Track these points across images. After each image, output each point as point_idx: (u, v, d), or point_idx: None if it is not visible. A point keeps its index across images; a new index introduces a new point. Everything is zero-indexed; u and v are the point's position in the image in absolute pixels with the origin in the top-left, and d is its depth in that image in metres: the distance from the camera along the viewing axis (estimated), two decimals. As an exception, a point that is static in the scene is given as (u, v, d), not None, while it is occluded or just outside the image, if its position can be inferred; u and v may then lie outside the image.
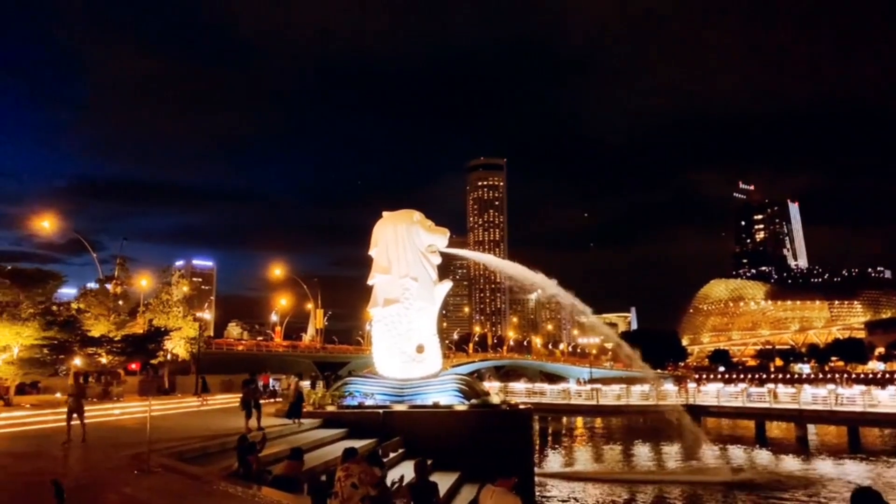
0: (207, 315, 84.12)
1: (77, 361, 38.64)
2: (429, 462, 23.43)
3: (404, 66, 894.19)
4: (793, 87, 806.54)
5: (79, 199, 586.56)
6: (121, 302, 50.02)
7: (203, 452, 18.11)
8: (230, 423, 23.51)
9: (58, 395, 36.19)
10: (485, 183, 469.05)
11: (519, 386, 56.12)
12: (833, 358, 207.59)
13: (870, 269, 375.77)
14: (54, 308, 36.59)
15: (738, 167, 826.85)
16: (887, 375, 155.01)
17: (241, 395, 23.64)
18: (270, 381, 43.14)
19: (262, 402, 24.20)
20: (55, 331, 33.05)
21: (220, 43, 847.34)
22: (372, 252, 32.55)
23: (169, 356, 46.63)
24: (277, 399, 35.16)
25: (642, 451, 45.96)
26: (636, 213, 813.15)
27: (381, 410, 27.76)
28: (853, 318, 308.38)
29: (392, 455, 24.05)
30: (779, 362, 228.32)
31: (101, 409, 29.68)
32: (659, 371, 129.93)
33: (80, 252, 56.81)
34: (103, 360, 38.35)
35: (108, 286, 48.19)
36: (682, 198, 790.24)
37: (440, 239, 32.45)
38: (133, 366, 42.71)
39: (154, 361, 43.96)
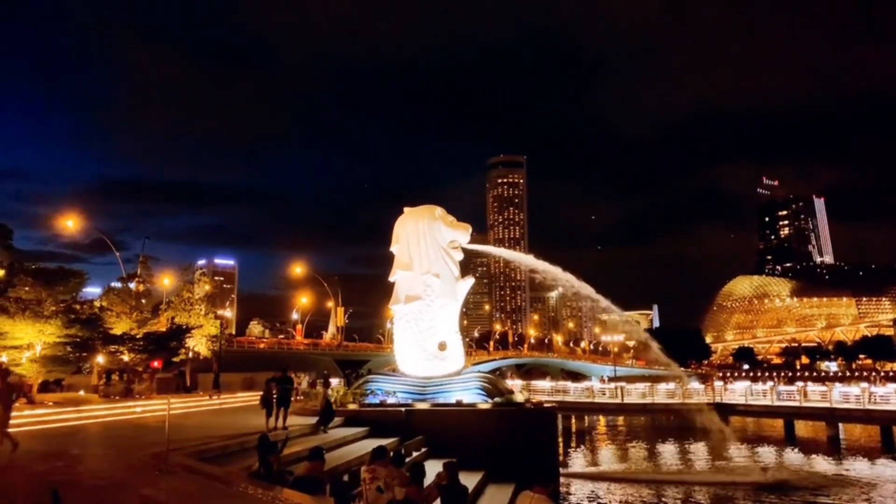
0: (228, 313, 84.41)
1: (100, 359, 38.79)
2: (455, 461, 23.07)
3: (424, 63, 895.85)
4: (818, 81, 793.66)
5: (104, 200, 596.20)
6: (143, 300, 50.29)
7: (223, 452, 17.82)
8: (251, 421, 23.21)
9: (81, 392, 36.39)
10: (505, 180, 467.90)
11: (542, 384, 55.60)
12: (861, 356, 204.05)
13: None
14: (76, 306, 36.74)
15: (762, 163, 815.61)
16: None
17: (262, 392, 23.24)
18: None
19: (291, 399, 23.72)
20: (77, 328, 33.16)
21: (242, 45, 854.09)
22: (393, 248, 32.22)
23: (191, 354, 46.79)
24: (298, 397, 34.90)
25: (668, 451, 45.13)
26: (659, 210, 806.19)
27: (403, 409, 27.39)
28: (881, 315, 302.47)
29: (415, 454, 23.64)
30: (805, 360, 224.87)
31: (124, 407, 29.69)
32: (682, 369, 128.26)
33: (105, 252, 57.57)
34: (125, 357, 38.43)
35: (132, 285, 48.40)
36: (706, 194, 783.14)
37: (462, 235, 32.04)
38: (155, 363, 42.76)
39: (176, 359, 44.03)
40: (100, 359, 38.58)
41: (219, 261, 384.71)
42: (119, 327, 40.25)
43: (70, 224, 49.04)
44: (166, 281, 54.73)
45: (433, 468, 14.77)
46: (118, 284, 48.98)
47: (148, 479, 12.14)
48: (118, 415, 27.76)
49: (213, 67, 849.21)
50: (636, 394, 52.50)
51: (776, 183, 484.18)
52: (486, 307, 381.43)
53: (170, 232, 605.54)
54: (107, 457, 15.57)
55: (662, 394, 51.86)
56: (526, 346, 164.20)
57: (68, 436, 20.41)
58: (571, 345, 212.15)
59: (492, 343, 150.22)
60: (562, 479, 30.83)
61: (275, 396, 21.93)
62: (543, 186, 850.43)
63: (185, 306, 46.74)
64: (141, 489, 11.24)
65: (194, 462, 14.52)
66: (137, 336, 39.88)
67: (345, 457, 19.98)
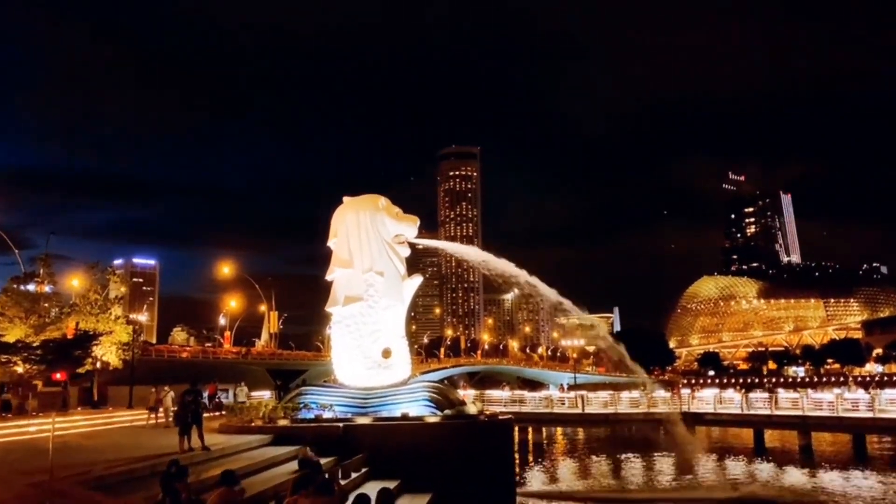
0: (143, 317, 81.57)
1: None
2: (394, 485, 22.29)
3: (371, 49, 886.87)
4: (785, 72, 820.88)
5: (9, 191, 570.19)
6: (46, 304, 47.91)
7: (129, 477, 16.75)
8: (166, 441, 22.06)
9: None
10: (457, 173, 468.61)
11: (497, 393, 55.25)
12: (829, 360, 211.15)
13: (866, 265, 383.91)
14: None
15: (727, 157, 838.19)
16: (885, 378, 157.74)
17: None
18: (217, 391, 41.53)
19: (205, 415, 22.64)
20: (-46, 335, 31.01)
21: (169, 25, 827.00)
22: (331, 243, 31.30)
23: (99, 364, 44.67)
24: (223, 412, 33.63)
25: (633, 465, 45.35)
26: (620, 206, 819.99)
27: (340, 424, 26.56)
28: (850, 318, 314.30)
29: (354, 475, 22.84)
30: (772, 365, 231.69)
31: (15, 427, 27.93)
32: (646, 376, 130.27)
33: (8, 251, 54.59)
34: (19, 369, 36.25)
35: (31, 286, 45.97)
36: (669, 189, 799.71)
37: (409, 227, 31.35)
38: (58, 375, 40.64)
39: (81, 370, 41.95)
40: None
41: (138, 260, 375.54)
42: (12, 334, 37.98)
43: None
44: (75, 282, 52.37)
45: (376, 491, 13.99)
46: (14, 286, 46.38)
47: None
48: (7, 436, 26.02)
49: (140, 47, 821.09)
50: (598, 403, 52.63)
51: (742, 178, 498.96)
52: (437, 310, 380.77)
53: (84, 228, 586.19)
54: (-19, 487, 14.17)
55: (626, 402, 52.13)
56: (479, 352, 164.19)
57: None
58: (528, 351, 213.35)
59: (442, 349, 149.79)
60: (518, 499, 30.39)
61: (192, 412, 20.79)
62: (498, 181, 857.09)
63: (91, 310, 44.54)
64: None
65: (87, 491, 13.36)
66: (34, 344, 37.69)
67: (273, 479, 19.22)
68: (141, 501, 12.89)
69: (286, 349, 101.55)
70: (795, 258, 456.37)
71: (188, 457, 19.13)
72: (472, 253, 38.05)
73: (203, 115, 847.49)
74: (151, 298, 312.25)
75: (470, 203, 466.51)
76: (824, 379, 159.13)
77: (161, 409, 31.31)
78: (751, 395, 51.51)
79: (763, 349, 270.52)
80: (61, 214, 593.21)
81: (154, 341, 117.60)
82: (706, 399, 52.00)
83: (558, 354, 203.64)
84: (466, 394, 46.79)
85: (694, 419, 49.13)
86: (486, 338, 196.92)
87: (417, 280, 32.69)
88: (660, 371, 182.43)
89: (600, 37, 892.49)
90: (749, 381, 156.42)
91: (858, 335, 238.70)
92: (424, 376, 63.77)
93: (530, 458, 49.89)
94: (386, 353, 30.10)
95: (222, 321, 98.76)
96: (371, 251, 30.10)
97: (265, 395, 44.44)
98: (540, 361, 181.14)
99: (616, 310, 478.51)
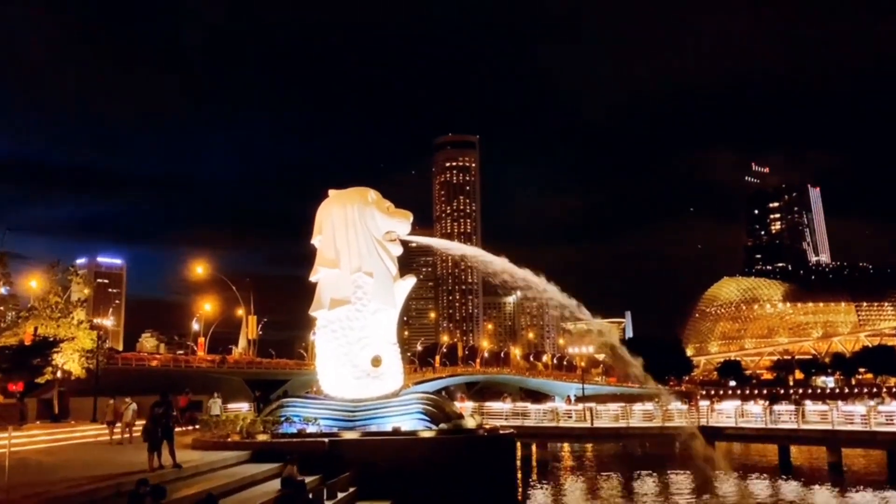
0: (109, 322, 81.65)
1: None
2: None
3: (364, 35, 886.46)
4: (814, 55, 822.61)
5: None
6: (1, 307, 47.93)
7: (91, 498, 16.84)
8: (134, 457, 22.11)
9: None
10: (454, 164, 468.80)
11: (498, 406, 55.39)
12: (861, 369, 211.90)
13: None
14: None
15: (750, 147, 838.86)
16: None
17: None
18: (190, 403, 41.58)
19: (176, 429, 22.65)
20: None
21: (151, 13, 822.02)
22: (315, 240, 31.41)
23: (60, 374, 44.72)
24: (196, 426, 33.69)
25: (646, 484, 45.40)
26: (631, 201, 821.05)
27: (326, 439, 26.81)
28: (884, 323, 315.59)
29: (340, 495, 22.94)
30: (799, 375, 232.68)
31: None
32: (661, 387, 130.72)
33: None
34: (-29, 378, 36.34)
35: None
36: (686, 182, 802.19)
37: (401, 224, 31.49)
38: (13, 386, 40.55)
39: (41, 380, 41.97)
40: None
41: (103, 259, 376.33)
42: (-36, 340, 38.08)
43: None
44: (33, 283, 52.41)
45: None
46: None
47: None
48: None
49: (107, 23, 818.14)
50: (608, 416, 52.78)
51: (766, 170, 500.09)
52: (432, 315, 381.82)
53: (45, 224, 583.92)
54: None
55: (639, 416, 52.25)
56: (478, 360, 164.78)
57: None
58: (532, 359, 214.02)
59: (438, 357, 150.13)
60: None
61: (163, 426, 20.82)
62: (499, 173, 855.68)
63: (51, 313, 44.64)
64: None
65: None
66: (-12, 351, 37.79)
67: (252, 500, 19.42)
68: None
69: (266, 357, 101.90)
70: (825, 257, 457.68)
71: (158, 475, 19.18)
72: (468, 252, 37.96)
73: (178, 100, 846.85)
74: (118, 301, 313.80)
75: (468, 197, 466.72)
76: (856, 390, 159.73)
77: (120, 424, 30.96)
78: (775, 407, 51.69)
79: (789, 357, 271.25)
80: (18, 209, 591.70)
81: (121, 348, 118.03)
82: (727, 412, 52.14)
83: (565, 363, 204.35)
84: (464, 406, 46.86)
85: (713, 434, 49.23)
86: (485, 345, 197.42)
87: (411, 281, 32.82)
88: (676, 381, 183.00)
89: (609, 22, 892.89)
90: (773, 392, 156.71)
91: (893, 342, 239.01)
92: (418, 387, 63.84)
93: (534, 477, 49.95)
94: (375, 362, 30.24)
95: (195, 326, 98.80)
96: (359, 249, 30.21)
97: (243, 407, 44.46)
98: (544, 370, 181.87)
99: (628, 314, 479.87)
